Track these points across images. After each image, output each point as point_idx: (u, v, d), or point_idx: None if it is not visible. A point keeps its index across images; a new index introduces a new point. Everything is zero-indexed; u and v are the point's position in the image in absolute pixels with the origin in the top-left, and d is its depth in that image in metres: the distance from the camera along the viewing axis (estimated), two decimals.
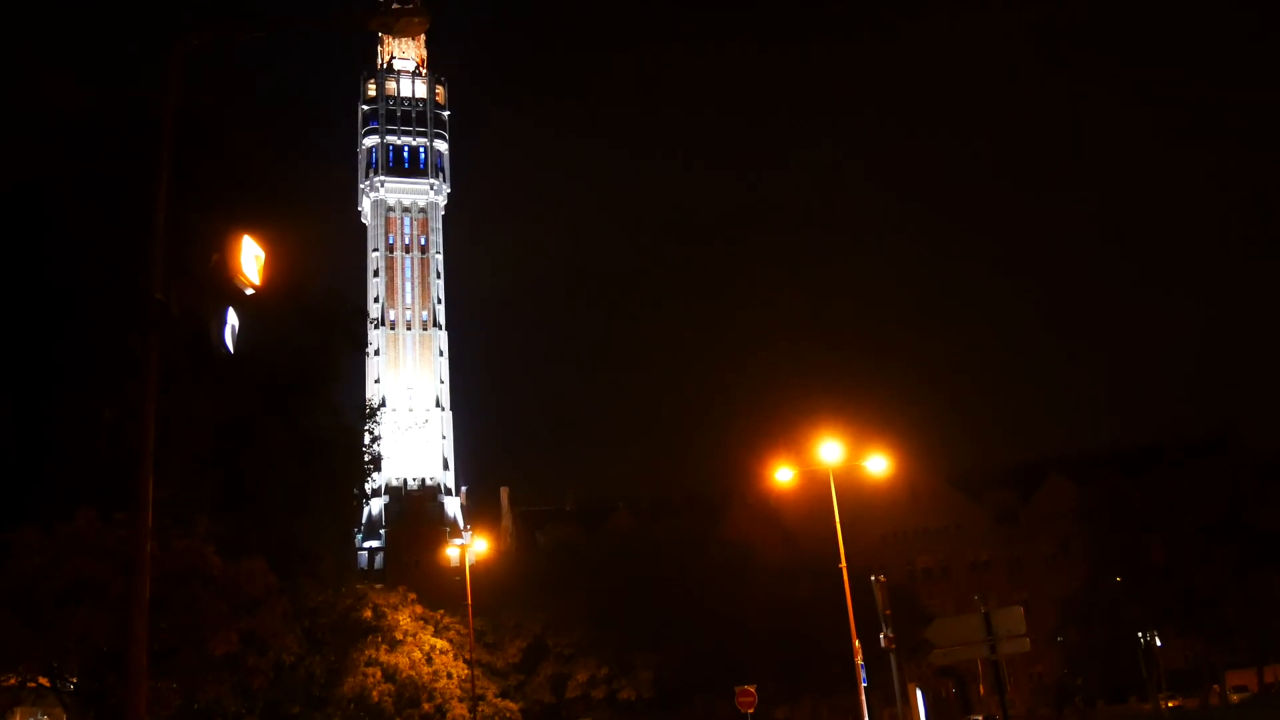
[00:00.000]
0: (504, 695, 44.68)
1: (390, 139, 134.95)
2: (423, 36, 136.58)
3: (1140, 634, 66.16)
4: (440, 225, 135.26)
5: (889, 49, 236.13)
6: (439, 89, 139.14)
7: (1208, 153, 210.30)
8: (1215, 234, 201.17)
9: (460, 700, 39.54)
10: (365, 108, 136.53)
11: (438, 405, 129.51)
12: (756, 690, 33.93)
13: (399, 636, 38.62)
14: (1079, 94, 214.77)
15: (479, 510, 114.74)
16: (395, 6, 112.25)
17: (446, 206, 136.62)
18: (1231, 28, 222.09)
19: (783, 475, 32.41)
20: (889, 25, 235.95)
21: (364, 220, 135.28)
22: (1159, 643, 69.65)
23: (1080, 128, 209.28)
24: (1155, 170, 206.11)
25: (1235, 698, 67.10)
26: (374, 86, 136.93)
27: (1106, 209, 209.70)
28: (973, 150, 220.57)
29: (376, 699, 36.15)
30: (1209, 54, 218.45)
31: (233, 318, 10.69)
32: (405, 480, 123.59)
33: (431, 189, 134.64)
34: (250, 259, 10.57)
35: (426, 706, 38.72)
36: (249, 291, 10.58)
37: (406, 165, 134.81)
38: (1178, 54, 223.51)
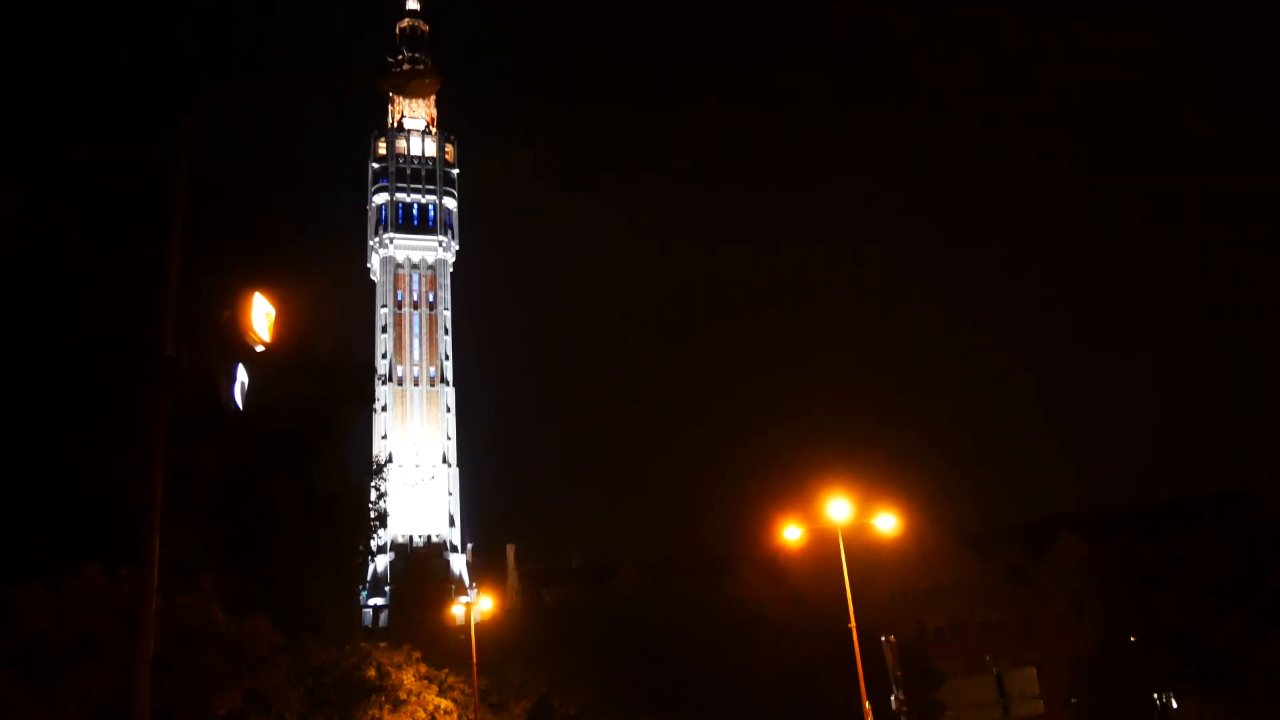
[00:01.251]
0: None
1: (400, 196, 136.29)
2: (433, 96, 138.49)
3: (1155, 695, 65.14)
4: (448, 282, 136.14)
5: (871, 128, 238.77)
6: (448, 147, 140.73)
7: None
8: (1229, 292, 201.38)
9: None
10: (375, 165, 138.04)
11: (444, 461, 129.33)
12: None
13: (403, 696, 38.15)
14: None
15: (485, 567, 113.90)
16: (407, 68, 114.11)
17: (455, 263, 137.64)
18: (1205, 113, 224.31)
19: (791, 533, 32.19)
20: (870, 104, 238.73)
21: (373, 277, 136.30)
22: (1174, 704, 68.53)
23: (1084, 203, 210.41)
24: (1163, 229, 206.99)
25: None
26: (384, 145, 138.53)
27: (1116, 268, 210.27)
28: (971, 220, 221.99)
29: None
30: (1183, 137, 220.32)
31: (242, 374, 10.75)
32: (411, 537, 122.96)
33: (440, 246, 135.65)
34: (261, 316, 10.65)
35: None
36: (259, 348, 10.63)
37: (415, 222, 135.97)
38: (1148, 137, 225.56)
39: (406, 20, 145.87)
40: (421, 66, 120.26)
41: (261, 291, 10.75)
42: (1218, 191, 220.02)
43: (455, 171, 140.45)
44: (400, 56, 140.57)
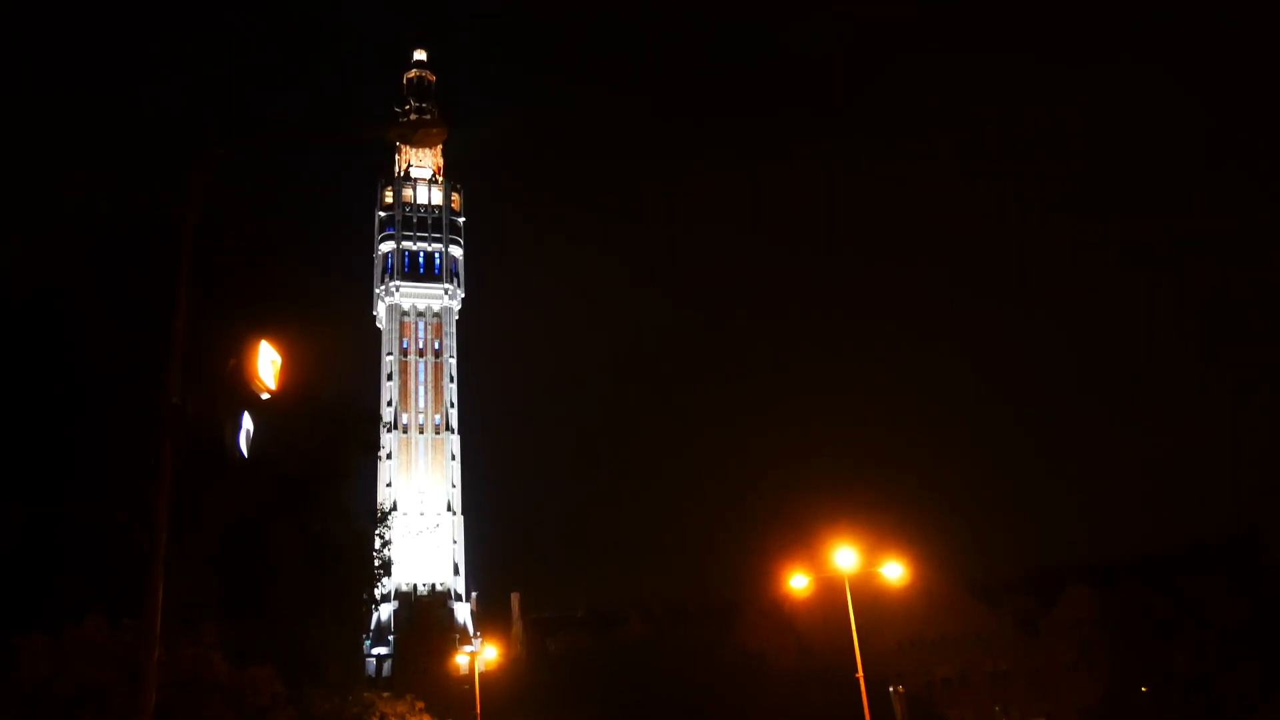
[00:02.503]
0: None
1: (406, 244, 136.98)
2: (440, 145, 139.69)
3: None
4: (454, 330, 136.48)
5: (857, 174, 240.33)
6: (455, 195, 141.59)
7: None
8: (1241, 336, 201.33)
9: None
10: (382, 214, 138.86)
11: (449, 509, 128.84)
12: None
13: None
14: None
15: (489, 616, 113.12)
16: (414, 118, 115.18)
17: (460, 311, 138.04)
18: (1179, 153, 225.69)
19: (798, 582, 32.01)
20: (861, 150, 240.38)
21: (378, 324, 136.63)
22: None
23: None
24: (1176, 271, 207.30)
25: None
26: (391, 193, 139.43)
27: (1117, 316, 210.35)
28: (976, 274, 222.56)
29: None
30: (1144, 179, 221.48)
31: (247, 422, 10.75)
32: (415, 585, 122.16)
33: (446, 294, 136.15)
34: (267, 364, 10.68)
35: None
36: (265, 396, 10.65)
37: (422, 270, 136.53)
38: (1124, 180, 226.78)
39: (414, 71, 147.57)
40: (428, 116, 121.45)
41: (268, 339, 10.79)
42: (1215, 236, 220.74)
43: (462, 220, 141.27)
44: (407, 106, 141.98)
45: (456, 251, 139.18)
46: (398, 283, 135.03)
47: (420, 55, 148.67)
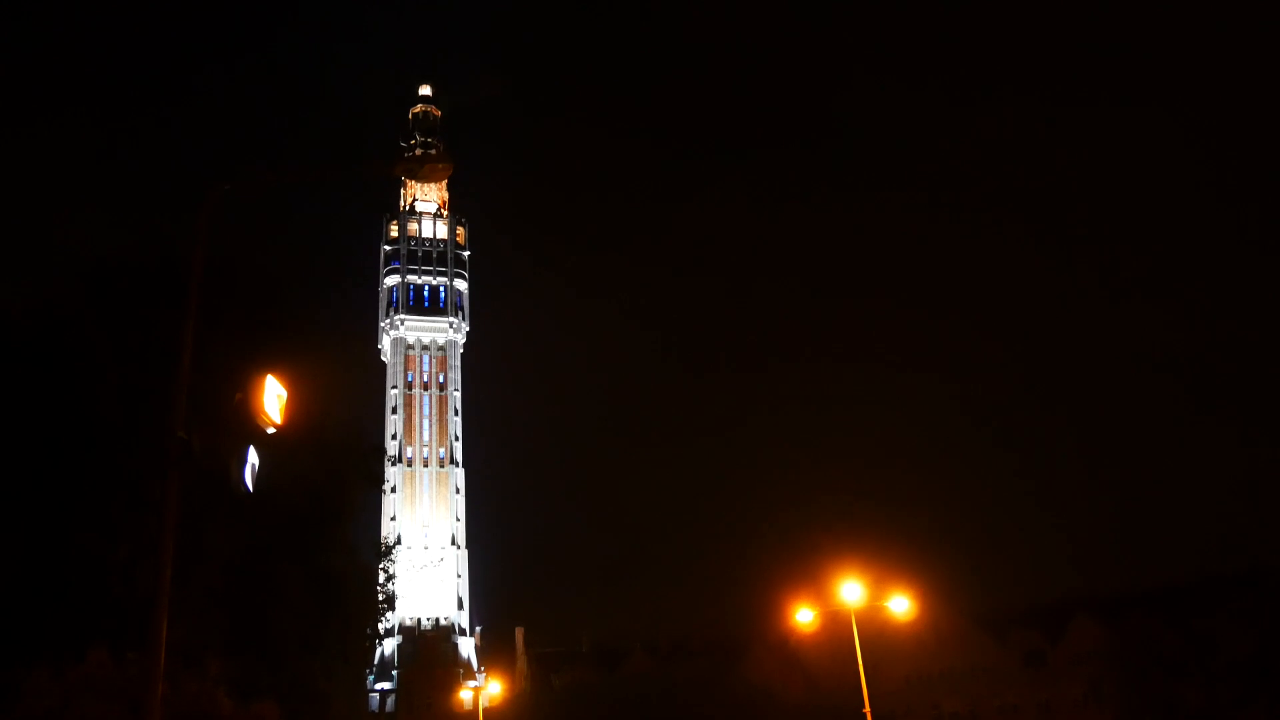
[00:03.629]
0: None
1: (411, 278, 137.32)
2: (445, 180, 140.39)
3: None
4: (459, 363, 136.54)
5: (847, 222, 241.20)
6: (460, 230, 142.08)
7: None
8: (1252, 366, 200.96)
9: None
10: (387, 248, 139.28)
11: (453, 543, 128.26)
12: None
13: None
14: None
15: (493, 651, 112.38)
16: (419, 152, 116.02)
17: (465, 345, 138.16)
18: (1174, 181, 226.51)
19: (804, 616, 31.82)
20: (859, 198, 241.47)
21: (383, 358, 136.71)
22: None
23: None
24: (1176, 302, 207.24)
25: None
26: (396, 227, 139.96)
27: (1150, 340, 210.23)
28: (971, 313, 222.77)
29: None
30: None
31: (253, 456, 10.77)
32: (419, 620, 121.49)
33: (451, 327, 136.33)
34: (273, 398, 10.71)
35: None
36: (270, 430, 10.67)
37: (426, 304, 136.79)
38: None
39: (419, 106, 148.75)
40: (434, 151, 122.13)
41: (273, 374, 10.83)
42: (1216, 276, 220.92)
43: (466, 254, 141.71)
44: (413, 141, 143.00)
45: (461, 285, 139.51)
46: (402, 316, 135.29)
47: (426, 90, 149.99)
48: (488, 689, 45.94)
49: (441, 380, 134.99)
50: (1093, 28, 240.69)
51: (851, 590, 29.89)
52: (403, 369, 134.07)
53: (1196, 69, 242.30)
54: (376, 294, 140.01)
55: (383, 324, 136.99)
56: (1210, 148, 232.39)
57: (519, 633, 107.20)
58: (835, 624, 32.12)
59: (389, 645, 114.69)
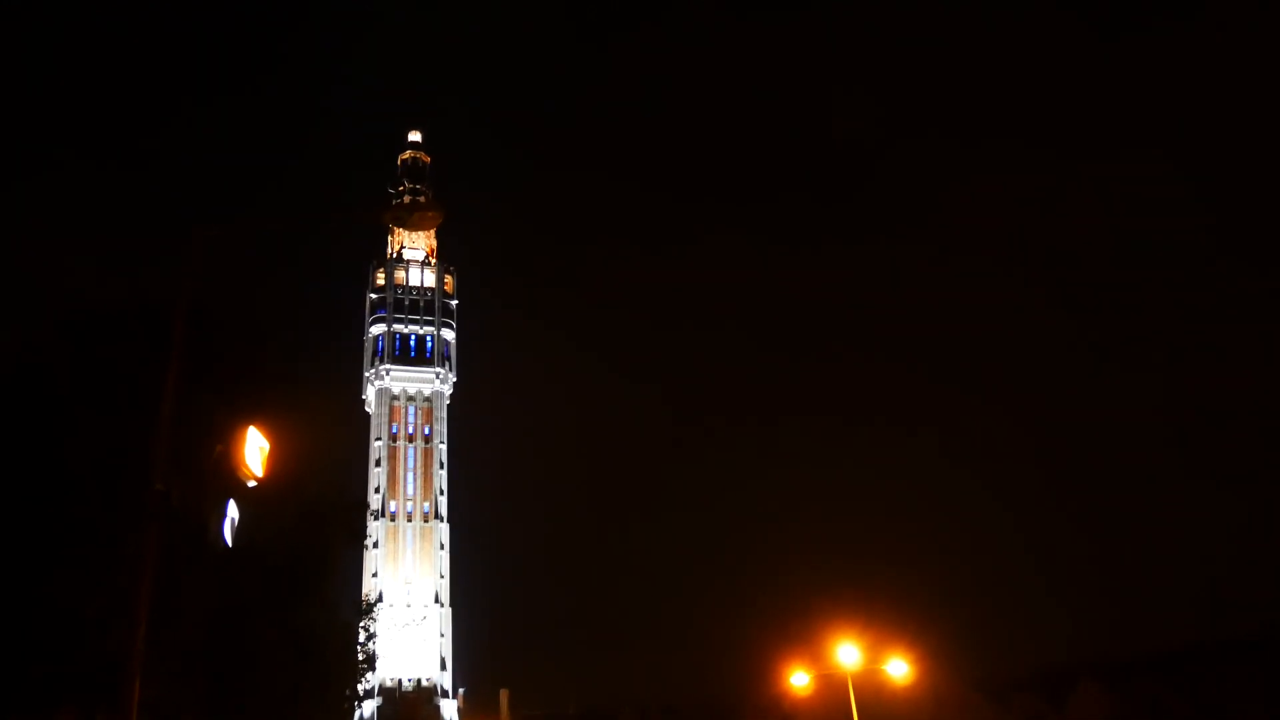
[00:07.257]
0: None
1: (397, 327, 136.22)
2: (434, 228, 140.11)
3: None
4: (445, 415, 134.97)
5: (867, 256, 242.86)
6: (448, 278, 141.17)
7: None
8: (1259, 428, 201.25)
9: None
10: (373, 296, 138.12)
11: (436, 601, 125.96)
12: None
13: None
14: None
15: (477, 714, 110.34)
16: (408, 199, 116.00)
17: (452, 396, 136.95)
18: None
19: (798, 679, 31.10)
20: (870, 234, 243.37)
21: (368, 408, 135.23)
22: None
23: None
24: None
25: None
26: (383, 275, 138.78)
27: (1162, 396, 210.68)
28: (969, 369, 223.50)
29: None
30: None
31: (233, 510, 10.31)
32: (400, 680, 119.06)
33: (438, 378, 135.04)
34: (255, 450, 10.27)
35: None
36: (251, 484, 10.21)
37: (413, 354, 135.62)
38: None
39: (408, 152, 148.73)
40: (423, 198, 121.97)
41: (256, 425, 10.38)
42: (1215, 334, 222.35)
43: (454, 303, 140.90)
44: (401, 188, 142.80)
45: (449, 335, 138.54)
46: (388, 366, 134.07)
47: (415, 136, 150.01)
48: None
49: (427, 432, 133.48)
50: (1100, 79, 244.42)
51: (848, 653, 29.20)
52: (387, 420, 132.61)
53: (1208, 124, 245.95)
54: (361, 343, 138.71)
55: (367, 374, 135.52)
56: (1220, 211, 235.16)
57: (504, 695, 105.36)
58: (831, 688, 31.39)
59: (369, 707, 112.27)
